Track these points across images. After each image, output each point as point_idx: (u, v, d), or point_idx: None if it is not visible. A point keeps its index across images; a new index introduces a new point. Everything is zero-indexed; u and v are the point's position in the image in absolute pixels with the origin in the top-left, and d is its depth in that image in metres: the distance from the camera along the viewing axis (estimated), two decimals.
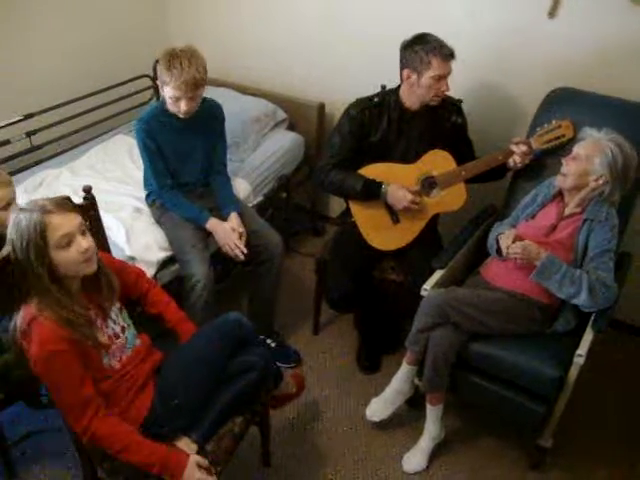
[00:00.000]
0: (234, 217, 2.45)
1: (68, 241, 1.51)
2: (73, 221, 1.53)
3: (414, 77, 2.29)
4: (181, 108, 2.30)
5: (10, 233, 1.51)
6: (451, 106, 2.45)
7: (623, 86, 2.42)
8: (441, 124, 2.43)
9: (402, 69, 2.33)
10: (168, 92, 2.28)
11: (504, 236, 2.19)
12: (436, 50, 2.22)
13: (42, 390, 2.01)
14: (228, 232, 2.39)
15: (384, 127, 2.40)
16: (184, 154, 2.48)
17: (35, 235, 1.46)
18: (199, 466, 1.65)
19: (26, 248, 1.47)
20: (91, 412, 1.56)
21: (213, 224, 2.42)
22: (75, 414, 1.56)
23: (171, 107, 2.35)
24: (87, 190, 1.85)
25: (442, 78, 2.26)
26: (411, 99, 2.37)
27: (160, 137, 2.41)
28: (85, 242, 1.54)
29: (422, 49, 2.24)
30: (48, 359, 1.49)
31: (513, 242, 2.11)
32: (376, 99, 2.42)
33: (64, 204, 1.55)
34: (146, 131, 2.38)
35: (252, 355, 1.87)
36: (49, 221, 1.48)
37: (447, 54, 2.23)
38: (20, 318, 1.53)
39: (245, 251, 2.38)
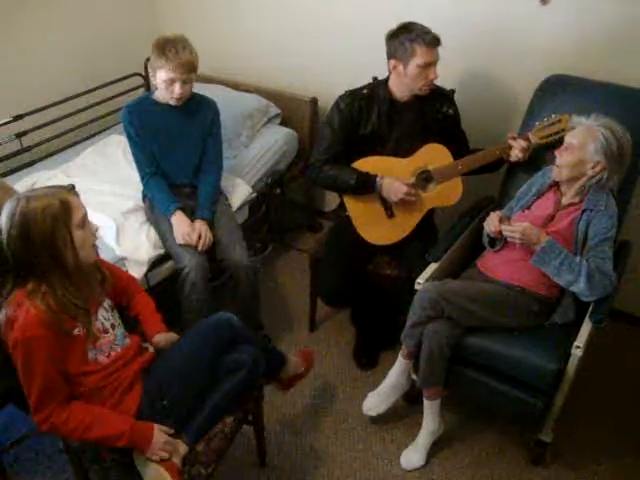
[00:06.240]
0: (198, 224, 2.38)
1: (84, 222, 1.57)
2: (83, 205, 1.60)
3: (400, 67, 2.27)
4: (175, 91, 2.32)
5: (30, 210, 1.48)
6: (442, 97, 2.42)
7: (618, 72, 2.37)
8: (432, 115, 2.39)
9: (389, 59, 2.31)
10: (162, 76, 2.29)
11: (489, 219, 2.16)
12: (419, 38, 2.20)
13: None
14: (185, 230, 2.34)
15: (374, 119, 2.37)
16: (171, 144, 2.45)
17: (62, 215, 1.50)
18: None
19: (52, 228, 1.49)
20: (55, 403, 1.56)
21: (176, 218, 2.37)
22: (40, 403, 1.55)
23: (164, 94, 2.36)
24: (71, 188, 1.81)
25: (428, 66, 2.24)
26: (400, 89, 2.34)
27: (145, 123, 2.41)
28: (95, 224, 1.64)
29: (406, 38, 2.22)
30: (27, 343, 1.49)
31: (501, 223, 2.10)
32: (365, 91, 2.39)
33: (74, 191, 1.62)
34: (128, 118, 2.40)
35: (241, 354, 1.84)
36: (72, 200, 1.55)
37: (431, 41, 2.21)
38: (9, 306, 1.52)
39: (194, 241, 2.33)
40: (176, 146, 2.47)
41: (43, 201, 1.50)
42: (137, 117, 2.40)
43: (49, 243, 1.50)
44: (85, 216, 1.58)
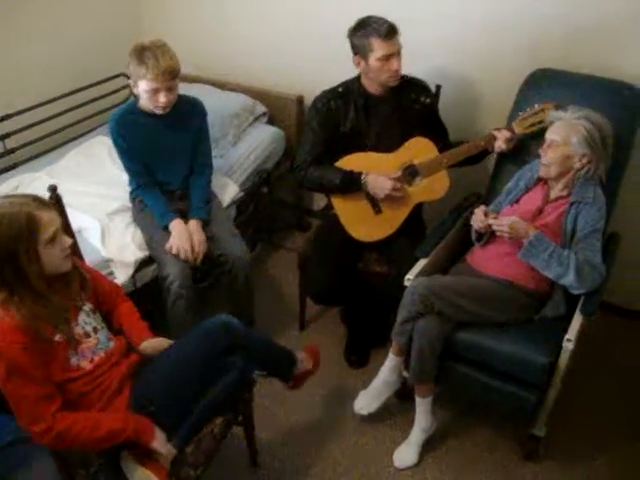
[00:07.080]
0: (192, 224, 2.35)
1: (54, 238, 1.50)
2: (58, 218, 1.53)
3: (363, 63, 2.28)
4: (159, 100, 2.22)
5: None
6: (417, 87, 2.42)
7: (604, 66, 2.37)
8: (409, 106, 2.39)
9: (353, 56, 2.32)
10: (144, 86, 2.19)
11: (474, 216, 2.16)
12: (375, 31, 2.20)
13: None
14: (183, 237, 2.29)
15: (352, 115, 2.37)
16: (164, 154, 2.40)
17: (28, 230, 1.45)
18: None
19: (15, 242, 1.44)
20: (54, 408, 1.50)
21: (177, 228, 2.31)
22: (37, 412, 1.49)
23: (147, 103, 2.27)
24: (52, 190, 1.79)
25: (389, 57, 2.23)
26: (370, 84, 2.36)
27: (135, 136, 2.34)
28: (68, 240, 1.57)
29: (362, 34, 2.24)
30: (7, 350, 1.45)
31: (487, 217, 2.10)
32: (340, 89, 2.41)
33: (48, 202, 1.56)
34: (116, 130, 2.33)
35: (232, 355, 1.79)
36: (41, 217, 1.47)
37: (386, 32, 2.19)
38: None
39: (191, 258, 2.29)
40: (169, 157, 2.42)
41: (11, 209, 1.44)
42: (127, 130, 2.32)
43: (11, 255, 1.44)
44: (56, 231, 1.51)
